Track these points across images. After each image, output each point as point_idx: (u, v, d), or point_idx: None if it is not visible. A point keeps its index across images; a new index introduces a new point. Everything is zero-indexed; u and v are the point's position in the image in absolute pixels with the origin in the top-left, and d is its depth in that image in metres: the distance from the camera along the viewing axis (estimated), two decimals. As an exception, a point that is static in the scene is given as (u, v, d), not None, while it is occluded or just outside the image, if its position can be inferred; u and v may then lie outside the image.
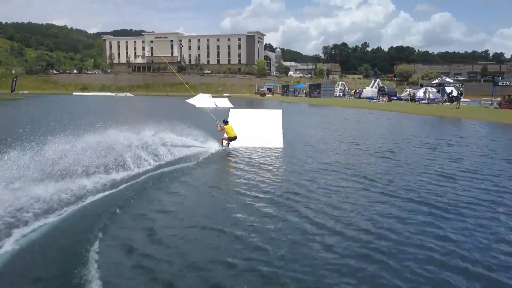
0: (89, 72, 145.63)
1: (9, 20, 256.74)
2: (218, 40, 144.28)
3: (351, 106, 48.25)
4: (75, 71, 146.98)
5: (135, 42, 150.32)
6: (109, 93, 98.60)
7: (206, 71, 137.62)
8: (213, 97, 46.61)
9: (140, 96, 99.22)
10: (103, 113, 35.30)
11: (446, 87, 47.00)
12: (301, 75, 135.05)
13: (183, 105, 48.72)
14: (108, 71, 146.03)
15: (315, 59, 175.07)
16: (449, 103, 43.76)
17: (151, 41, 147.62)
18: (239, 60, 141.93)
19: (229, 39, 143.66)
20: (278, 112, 18.30)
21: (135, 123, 13.08)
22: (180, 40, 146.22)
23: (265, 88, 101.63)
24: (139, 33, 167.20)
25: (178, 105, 50.65)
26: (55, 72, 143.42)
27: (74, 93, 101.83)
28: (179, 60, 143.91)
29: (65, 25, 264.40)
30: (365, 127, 24.07)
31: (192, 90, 28.97)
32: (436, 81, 56.59)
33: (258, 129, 16.70)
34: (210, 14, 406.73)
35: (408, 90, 54.31)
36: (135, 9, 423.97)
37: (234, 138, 14.54)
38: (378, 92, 75.49)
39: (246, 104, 62.42)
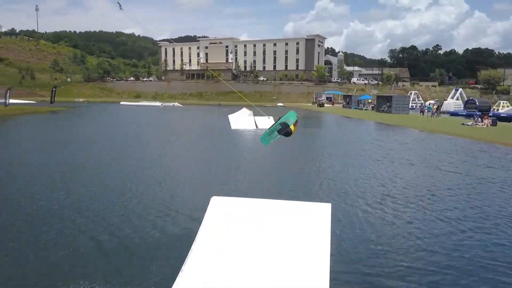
0: (144, 79, 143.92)
1: (83, 29, 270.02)
2: (275, 45, 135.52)
3: (440, 131, 35.07)
4: (131, 79, 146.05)
5: (189, 48, 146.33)
6: (157, 103, 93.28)
7: (261, 78, 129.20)
8: (254, 115, 37.04)
9: (189, 105, 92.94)
10: (109, 143, 25.86)
11: None
12: (366, 81, 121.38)
13: (224, 121, 39.63)
14: (163, 78, 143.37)
15: (381, 63, 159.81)
16: None
17: (206, 47, 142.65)
18: (297, 66, 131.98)
19: (286, 44, 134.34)
20: (325, 214, 6.41)
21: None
22: (236, 46, 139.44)
23: (323, 98, 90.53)
24: (194, 39, 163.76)
25: (220, 122, 41.75)
26: (111, 79, 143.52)
27: (121, 103, 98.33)
28: (234, 66, 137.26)
29: (133, 32, 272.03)
30: None
31: (245, 100, 20.65)
32: None
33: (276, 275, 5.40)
34: (274, 19, 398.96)
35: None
36: (200, 16, 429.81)
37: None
38: (464, 106, 61.31)
39: (299, 119, 52.15)
